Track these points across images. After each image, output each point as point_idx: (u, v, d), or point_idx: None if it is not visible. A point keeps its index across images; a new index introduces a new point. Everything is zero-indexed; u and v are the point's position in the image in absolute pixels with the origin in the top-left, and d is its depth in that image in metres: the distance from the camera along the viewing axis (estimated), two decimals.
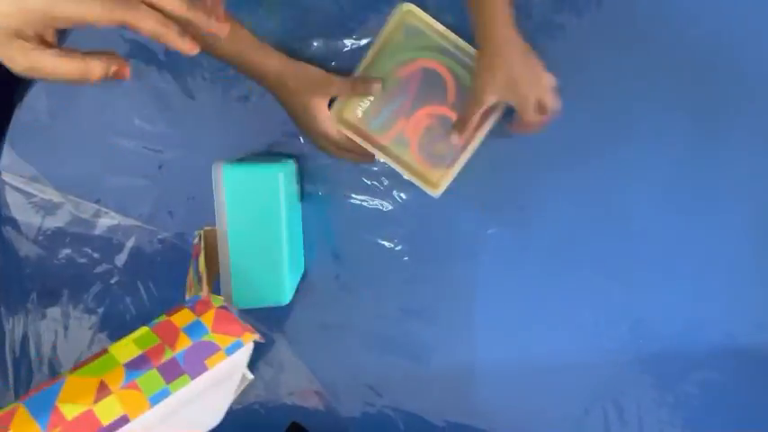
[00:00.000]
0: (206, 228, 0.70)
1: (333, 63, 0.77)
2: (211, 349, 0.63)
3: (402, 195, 0.78)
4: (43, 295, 0.82)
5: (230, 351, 0.63)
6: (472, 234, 0.77)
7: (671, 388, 0.77)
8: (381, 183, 0.78)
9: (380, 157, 0.74)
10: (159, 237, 0.80)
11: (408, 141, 0.74)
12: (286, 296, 0.68)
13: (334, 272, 0.79)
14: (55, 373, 0.82)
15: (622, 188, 0.75)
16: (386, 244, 0.79)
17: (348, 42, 0.76)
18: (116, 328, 0.81)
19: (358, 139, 0.74)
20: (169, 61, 0.78)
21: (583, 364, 0.77)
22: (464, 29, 0.72)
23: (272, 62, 0.71)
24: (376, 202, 0.79)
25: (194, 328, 0.63)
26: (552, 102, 0.69)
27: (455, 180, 0.76)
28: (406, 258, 0.78)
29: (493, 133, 0.74)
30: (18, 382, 0.83)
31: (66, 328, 0.82)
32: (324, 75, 0.72)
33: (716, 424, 0.77)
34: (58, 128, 0.79)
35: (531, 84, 0.68)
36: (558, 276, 0.77)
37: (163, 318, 0.63)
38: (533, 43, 0.68)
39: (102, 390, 0.56)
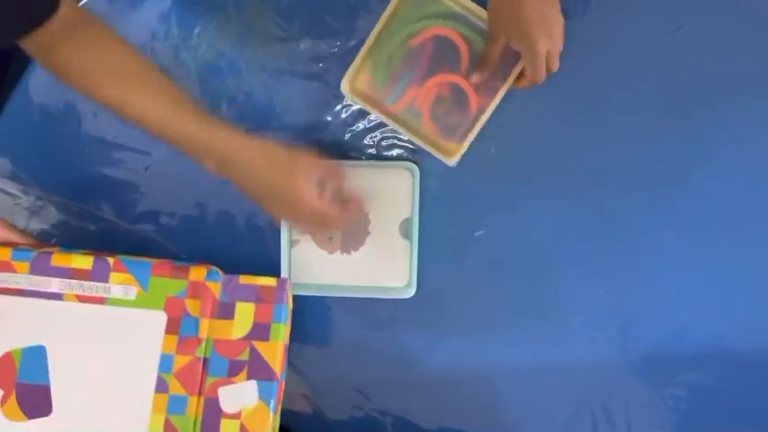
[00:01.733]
0: None
1: (320, 65, 0.76)
2: None
3: None
4: None
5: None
6: (460, 236, 0.77)
7: (660, 390, 0.77)
8: None
9: (394, 126, 0.73)
10: (145, 238, 0.80)
11: (420, 112, 0.73)
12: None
13: None
14: None
15: (611, 191, 0.75)
16: None
17: (336, 44, 0.76)
18: None
19: (370, 109, 0.73)
20: (155, 62, 0.78)
21: (571, 367, 0.77)
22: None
23: (230, 138, 0.63)
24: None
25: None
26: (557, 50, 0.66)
27: (442, 182, 0.76)
28: None
29: (478, 137, 0.74)
30: None
31: None
32: (306, 155, 0.65)
33: (705, 426, 0.77)
34: (44, 130, 0.79)
35: (542, 29, 0.63)
36: (545, 279, 0.76)
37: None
38: None
39: None
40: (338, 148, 0.77)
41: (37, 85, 0.79)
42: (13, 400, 0.62)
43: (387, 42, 0.73)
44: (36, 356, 0.63)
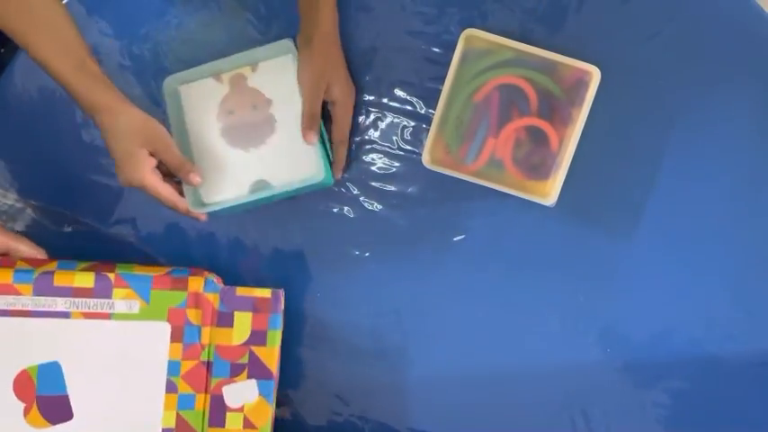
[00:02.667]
0: None
1: None
2: None
3: (369, 202, 0.78)
4: None
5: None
6: (439, 241, 0.77)
7: (639, 397, 0.76)
8: (349, 190, 0.78)
9: (481, 182, 0.72)
10: (122, 242, 0.79)
11: (501, 161, 0.72)
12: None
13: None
14: None
15: (590, 196, 0.75)
16: (353, 251, 0.78)
17: None
18: None
19: (454, 173, 0.72)
20: (133, 65, 0.78)
21: (550, 373, 0.77)
22: (528, 34, 0.73)
23: (105, 93, 0.67)
24: (345, 209, 0.78)
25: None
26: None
27: (421, 187, 0.76)
28: (373, 266, 0.78)
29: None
30: None
31: None
32: (164, 133, 0.69)
33: None
34: (19, 133, 0.79)
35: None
36: (525, 284, 0.76)
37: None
38: None
39: None
40: None
41: (15, 88, 0.79)
42: (35, 410, 0.67)
43: (453, 105, 0.72)
44: (52, 372, 0.67)
